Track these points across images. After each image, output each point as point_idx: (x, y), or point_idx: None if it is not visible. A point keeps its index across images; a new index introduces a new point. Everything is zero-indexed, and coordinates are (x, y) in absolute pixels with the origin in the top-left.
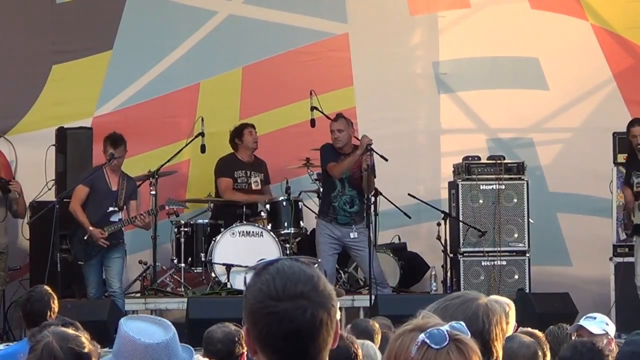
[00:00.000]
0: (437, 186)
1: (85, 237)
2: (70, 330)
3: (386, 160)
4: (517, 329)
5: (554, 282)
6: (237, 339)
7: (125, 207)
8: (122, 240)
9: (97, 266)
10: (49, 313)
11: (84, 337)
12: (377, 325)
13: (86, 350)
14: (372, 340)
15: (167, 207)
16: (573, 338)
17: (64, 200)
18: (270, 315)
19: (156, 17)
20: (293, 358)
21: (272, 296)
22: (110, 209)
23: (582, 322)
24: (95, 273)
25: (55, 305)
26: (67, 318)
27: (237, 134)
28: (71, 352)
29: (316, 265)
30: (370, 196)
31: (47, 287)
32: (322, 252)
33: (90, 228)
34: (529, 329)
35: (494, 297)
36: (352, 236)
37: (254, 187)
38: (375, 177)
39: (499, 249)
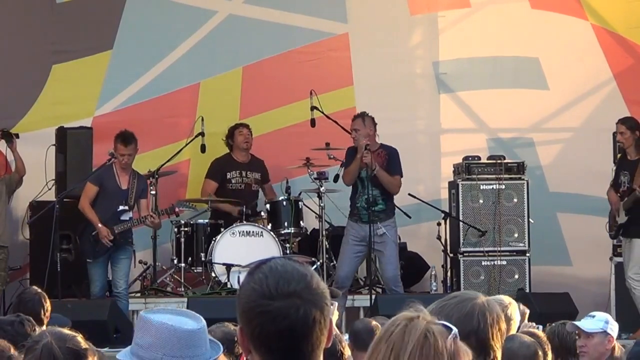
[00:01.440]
0: (437, 186)
1: (93, 234)
2: (67, 330)
3: (373, 169)
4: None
5: (554, 282)
6: (236, 339)
7: (135, 205)
8: (131, 240)
9: (104, 265)
10: (42, 312)
11: (81, 337)
12: (374, 322)
13: (84, 349)
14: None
15: (177, 209)
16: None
17: (64, 200)
18: (263, 314)
19: (156, 17)
20: (287, 357)
21: (265, 295)
22: (121, 207)
23: (578, 322)
24: (100, 272)
25: (47, 304)
26: (62, 316)
27: (229, 135)
28: (70, 352)
29: (315, 266)
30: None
31: (37, 288)
32: (345, 253)
33: (100, 225)
34: (531, 329)
35: (497, 297)
36: (379, 233)
37: (253, 187)
38: (401, 176)
39: (499, 248)
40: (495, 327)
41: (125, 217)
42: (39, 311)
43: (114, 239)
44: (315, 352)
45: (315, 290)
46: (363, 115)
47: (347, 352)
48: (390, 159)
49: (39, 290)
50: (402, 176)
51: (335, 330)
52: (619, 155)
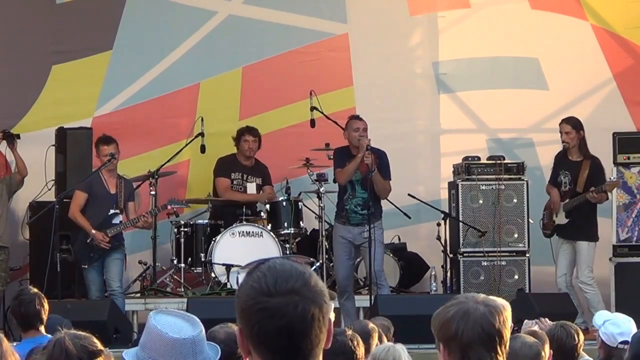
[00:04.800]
0: (437, 186)
1: (89, 241)
2: (82, 332)
3: (372, 171)
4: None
5: (554, 282)
6: None
7: (124, 209)
8: (123, 242)
9: (99, 269)
10: (42, 312)
11: (95, 338)
12: (371, 325)
13: (98, 349)
14: (369, 340)
15: (169, 207)
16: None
17: (64, 200)
18: (261, 312)
19: (156, 17)
20: (286, 354)
21: (264, 292)
22: (112, 211)
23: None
24: (96, 276)
25: (46, 304)
26: (62, 317)
27: (237, 138)
28: (84, 350)
29: (314, 266)
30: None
31: (33, 288)
32: (338, 257)
33: (93, 232)
34: (533, 329)
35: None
36: (365, 235)
37: (248, 191)
38: (390, 179)
39: (499, 249)
40: (485, 332)
41: (116, 220)
42: (39, 311)
43: (110, 241)
44: (315, 350)
45: (314, 288)
46: (361, 118)
47: (361, 351)
48: (381, 162)
49: (37, 290)
50: (390, 179)
51: (349, 330)
52: (620, 156)
